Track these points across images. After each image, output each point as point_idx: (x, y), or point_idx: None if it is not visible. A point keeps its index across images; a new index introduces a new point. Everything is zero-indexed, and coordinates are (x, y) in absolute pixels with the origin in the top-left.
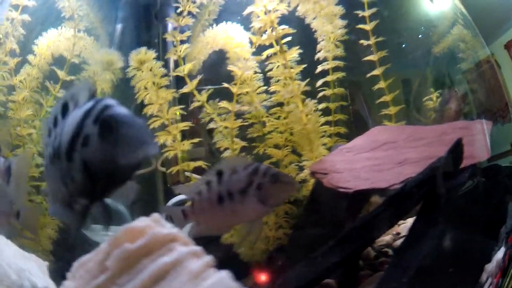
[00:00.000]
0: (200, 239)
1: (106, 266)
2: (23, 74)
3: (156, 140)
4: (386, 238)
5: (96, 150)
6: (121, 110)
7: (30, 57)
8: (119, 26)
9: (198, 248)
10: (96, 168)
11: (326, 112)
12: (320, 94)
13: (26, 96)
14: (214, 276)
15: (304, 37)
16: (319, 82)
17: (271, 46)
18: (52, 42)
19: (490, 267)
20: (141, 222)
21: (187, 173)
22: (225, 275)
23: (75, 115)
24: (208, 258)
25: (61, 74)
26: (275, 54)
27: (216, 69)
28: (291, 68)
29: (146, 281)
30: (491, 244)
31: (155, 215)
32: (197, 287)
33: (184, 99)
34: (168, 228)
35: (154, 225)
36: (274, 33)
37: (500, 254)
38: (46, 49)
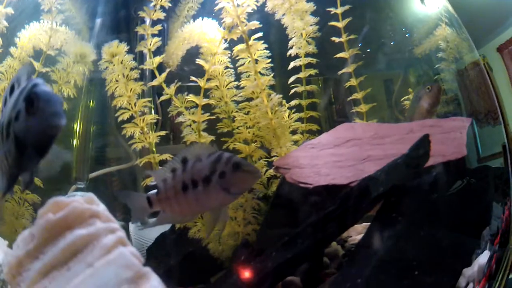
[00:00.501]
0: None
1: (34, 234)
2: (4, 65)
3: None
4: (358, 237)
5: (22, 123)
6: (44, 88)
7: (12, 50)
8: (98, 21)
9: (115, 225)
10: (22, 139)
11: (299, 109)
12: (292, 91)
13: (6, 87)
14: (117, 250)
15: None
16: (291, 79)
17: (242, 41)
18: (33, 35)
19: (470, 271)
20: (70, 198)
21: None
22: (127, 250)
23: (15, 94)
24: (121, 234)
25: (37, 65)
26: (245, 49)
27: (189, 63)
28: (256, 62)
29: (65, 251)
30: (470, 247)
31: (89, 194)
32: (102, 260)
33: None
34: (93, 206)
35: (80, 201)
36: (241, 27)
37: (483, 258)
38: (27, 42)
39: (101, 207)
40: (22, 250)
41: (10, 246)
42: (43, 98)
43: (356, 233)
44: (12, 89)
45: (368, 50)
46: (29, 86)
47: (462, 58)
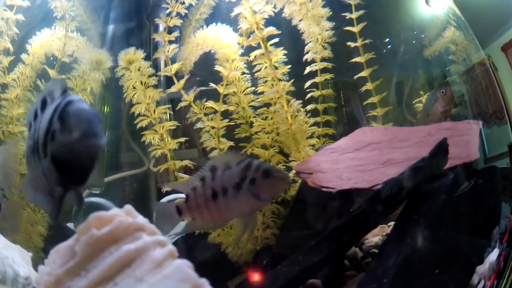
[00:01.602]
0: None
1: (75, 251)
2: (16, 72)
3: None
4: (374, 239)
5: (58, 144)
6: (79, 105)
7: (23, 56)
8: (111, 27)
9: (163, 238)
10: (60, 161)
11: (314, 113)
12: (308, 95)
13: (18, 95)
14: (173, 264)
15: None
16: (307, 84)
17: (259, 47)
18: (45, 41)
19: (482, 269)
20: (111, 211)
21: (177, 173)
22: (183, 263)
23: (48, 111)
24: (172, 248)
25: (52, 73)
26: (262, 54)
27: (207, 69)
28: (276, 68)
29: (112, 267)
30: (483, 245)
31: (128, 207)
32: (157, 275)
33: None
34: (137, 218)
35: (123, 214)
36: (259, 34)
37: (493, 255)
38: (39, 49)
39: (143, 219)
40: (60, 268)
41: (35, 259)
42: (79, 117)
43: (373, 235)
44: (43, 103)
45: (383, 51)
46: (62, 104)
47: (470, 59)
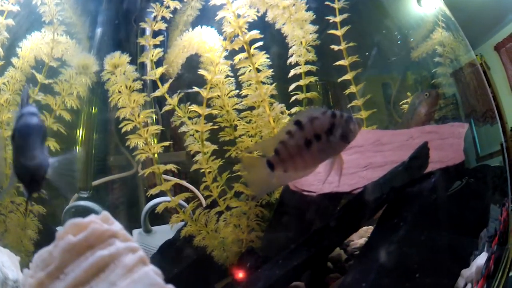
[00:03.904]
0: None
1: (54, 256)
2: (7, 76)
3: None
4: (360, 241)
5: (13, 154)
6: (25, 120)
7: (14, 60)
8: (99, 30)
9: (135, 244)
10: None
11: None
12: (293, 98)
13: (8, 99)
14: (142, 270)
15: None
16: (292, 86)
17: (243, 50)
18: (35, 45)
19: (468, 272)
20: (88, 218)
21: (164, 176)
22: (150, 269)
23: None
24: (142, 254)
25: (39, 77)
26: (246, 58)
27: (192, 72)
28: (258, 72)
29: (88, 271)
30: (469, 248)
31: (105, 213)
32: (127, 279)
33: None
34: (112, 225)
35: (98, 221)
36: (243, 38)
37: (481, 259)
38: (29, 52)
39: (118, 226)
40: (42, 271)
41: (23, 261)
42: (21, 135)
43: (358, 236)
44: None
45: (367, 54)
46: (17, 116)
47: (459, 60)
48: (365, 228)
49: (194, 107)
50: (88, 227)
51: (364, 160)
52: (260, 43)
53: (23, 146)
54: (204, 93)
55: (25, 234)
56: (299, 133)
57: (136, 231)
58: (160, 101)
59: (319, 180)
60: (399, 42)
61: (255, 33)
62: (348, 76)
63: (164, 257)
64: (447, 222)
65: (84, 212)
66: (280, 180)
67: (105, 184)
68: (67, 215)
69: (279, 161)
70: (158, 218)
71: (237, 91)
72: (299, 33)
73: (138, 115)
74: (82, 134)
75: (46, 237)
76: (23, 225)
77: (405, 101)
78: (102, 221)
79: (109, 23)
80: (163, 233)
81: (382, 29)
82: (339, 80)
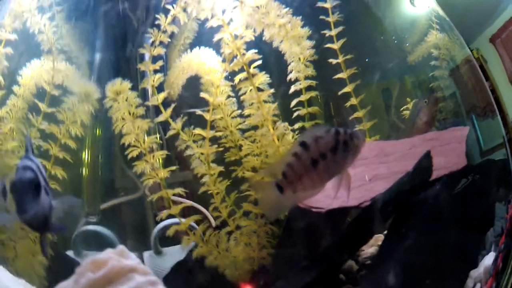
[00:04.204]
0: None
1: None
2: (9, 105)
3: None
4: (370, 250)
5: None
6: (19, 175)
7: (15, 88)
8: (97, 56)
9: (154, 278)
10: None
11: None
12: (295, 114)
13: (12, 127)
14: None
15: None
16: (293, 102)
17: (242, 70)
18: (35, 72)
19: (477, 273)
20: (105, 254)
21: (173, 198)
22: None
23: None
24: (162, 287)
25: (42, 106)
26: (245, 79)
27: (192, 93)
28: (259, 92)
29: None
30: (476, 249)
31: (120, 247)
32: None
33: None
34: (129, 260)
35: (116, 256)
36: (241, 59)
37: (488, 259)
38: (30, 80)
39: (135, 260)
40: None
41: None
42: (15, 189)
43: (368, 246)
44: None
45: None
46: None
47: (455, 60)
48: (375, 236)
49: (198, 131)
50: (108, 264)
51: (369, 173)
52: (259, 62)
53: (17, 200)
54: (207, 116)
55: (36, 260)
56: (305, 154)
57: (146, 253)
58: (164, 124)
59: (326, 196)
60: (395, 46)
61: (253, 53)
62: (348, 89)
63: (177, 278)
64: (453, 224)
65: (93, 237)
66: (290, 201)
67: (112, 207)
68: (77, 240)
69: (288, 183)
70: (166, 239)
71: (239, 111)
72: (297, 50)
73: (144, 141)
74: (88, 158)
75: (56, 262)
76: (33, 251)
77: (405, 107)
78: (118, 255)
79: (106, 48)
80: (174, 254)
81: (378, 34)
82: (340, 93)
